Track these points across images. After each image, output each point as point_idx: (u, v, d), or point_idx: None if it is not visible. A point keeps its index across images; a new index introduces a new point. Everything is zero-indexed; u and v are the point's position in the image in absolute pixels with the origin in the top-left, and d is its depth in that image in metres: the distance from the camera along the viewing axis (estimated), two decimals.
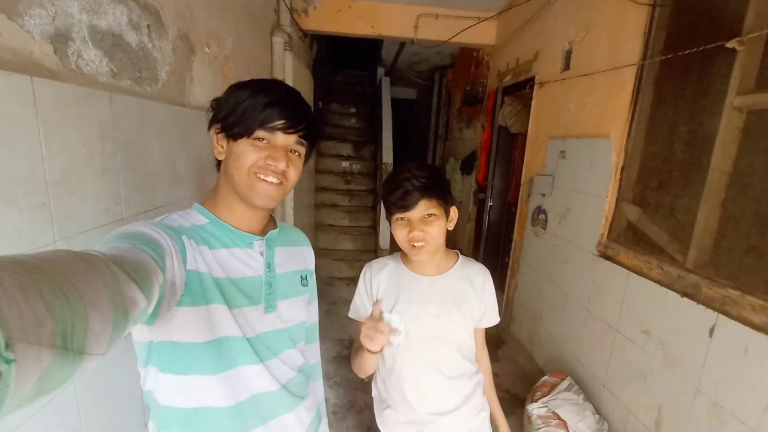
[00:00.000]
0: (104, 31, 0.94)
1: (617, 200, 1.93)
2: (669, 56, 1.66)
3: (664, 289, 1.57)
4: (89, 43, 0.89)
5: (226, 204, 0.70)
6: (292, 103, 0.68)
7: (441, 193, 0.93)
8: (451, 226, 0.99)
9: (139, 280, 0.42)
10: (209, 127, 0.70)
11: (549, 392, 1.95)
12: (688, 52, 1.56)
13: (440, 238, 0.95)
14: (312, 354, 0.93)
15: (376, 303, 0.93)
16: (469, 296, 1.03)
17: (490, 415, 1.12)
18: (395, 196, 0.91)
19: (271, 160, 0.65)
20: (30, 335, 0.26)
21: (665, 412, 1.53)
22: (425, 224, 0.92)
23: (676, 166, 1.63)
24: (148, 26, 1.13)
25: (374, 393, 1.13)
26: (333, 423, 2.10)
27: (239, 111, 0.64)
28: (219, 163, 0.71)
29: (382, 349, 0.91)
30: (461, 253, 1.11)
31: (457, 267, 1.05)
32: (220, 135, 0.68)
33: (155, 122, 1.16)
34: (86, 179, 0.88)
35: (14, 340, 0.25)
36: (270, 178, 0.66)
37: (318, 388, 0.94)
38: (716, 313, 1.34)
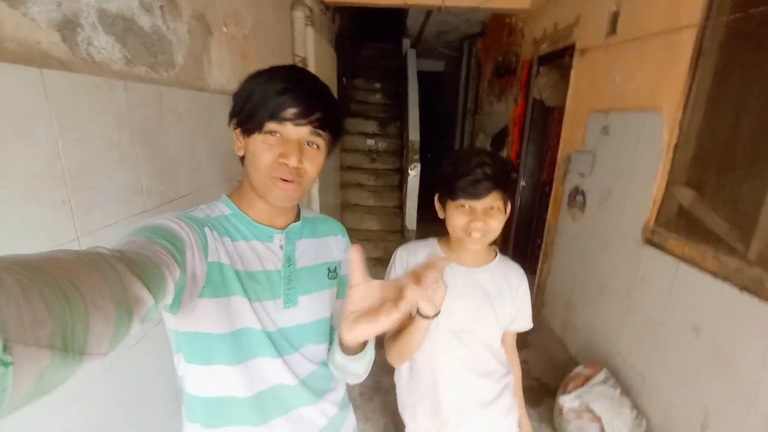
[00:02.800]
0: (114, 15, 0.90)
1: (668, 182, 1.75)
2: (738, 15, 1.44)
3: (719, 281, 1.43)
4: (99, 28, 0.85)
5: (247, 198, 0.69)
6: (304, 88, 0.62)
7: (509, 186, 0.90)
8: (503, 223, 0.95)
9: (146, 277, 0.41)
10: (229, 122, 0.68)
11: (583, 384, 1.87)
12: (762, 9, 1.34)
13: (498, 233, 0.92)
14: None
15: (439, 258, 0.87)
16: (503, 295, 1.00)
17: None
18: (465, 182, 0.86)
19: (283, 158, 0.61)
20: (28, 336, 0.26)
21: (712, 416, 1.43)
22: (488, 216, 0.88)
23: (741, 146, 1.44)
24: (161, 7, 1.07)
25: (397, 381, 1.10)
26: (360, 404, 2.13)
27: (250, 104, 0.62)
28: (241, 158, 0.69)
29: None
30: (495, 240, 1.05)
31: (495, 263, 1.01)
32: (237, 131, 0.66)
33: (174, 109, 1.12)
34: (105, 172, 0.86)
35: (12, 341, 0.25)
36: (287, 177, 0.63)
37: None
38: None
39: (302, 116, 0.61)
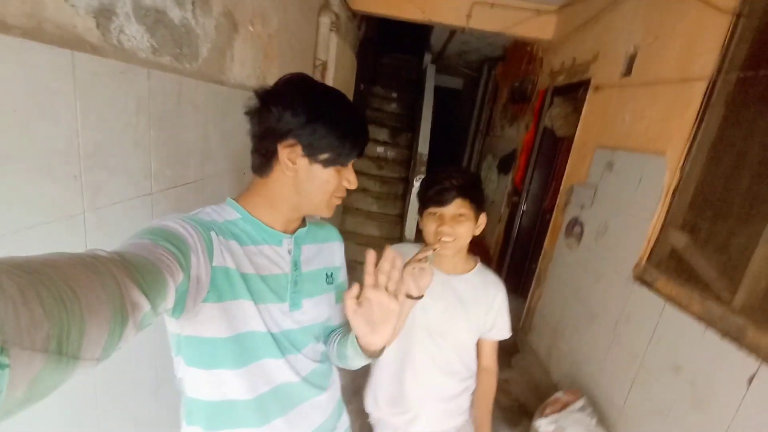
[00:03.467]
0: (148, 6, 0.95)
1: (664, 224, 1.77)
2: (749, 74, 1.47)
3: (702, 326, 1.45)
4: (132, 18, 0.90)
5: (271, 206, 0.71)
6: (366, 134, 0.73)
7: (475, 196, 0.99)
8: (477, 232, 1.04)
9: (144, 282, 0.42)
10: (274, 138, 0.65)
11: (560, 409, 1.88)
12: None
13: (466, 239, 1.01)
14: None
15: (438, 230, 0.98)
16: (478, 303, 1.08)
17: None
18: (432, 191, 0.99)
19: (347, 183, 0.72)
20: (24, 339, 0.26)
21: None
22: (455, 222, 0.98)
23: (738, 197, 1.47)
24: (193, 2, 1.13)
25: (372, 369, 1.18)
26: None
27: (330, 147, 0.67)
28: (267, 168, 0.68)
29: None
30: (487, 254, 1.13)
31: (473, 273, 1.10)
32: (297, 153, 0.65)
33: (192, 99, 1.17)
34: (118, 153, 0.91)
35: (9, 344, 0.25)
36: (344, 196, 0.74)
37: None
38: (759, 360, 1.22)
39: (361, 154, 0.73)
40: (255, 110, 0.67)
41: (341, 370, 0.90)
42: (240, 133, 1.51)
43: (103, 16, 0.82)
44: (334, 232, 0.90)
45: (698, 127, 1.65)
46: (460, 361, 1.10)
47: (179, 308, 0.55)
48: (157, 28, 1.00)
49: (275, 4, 1.77)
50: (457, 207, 0.97)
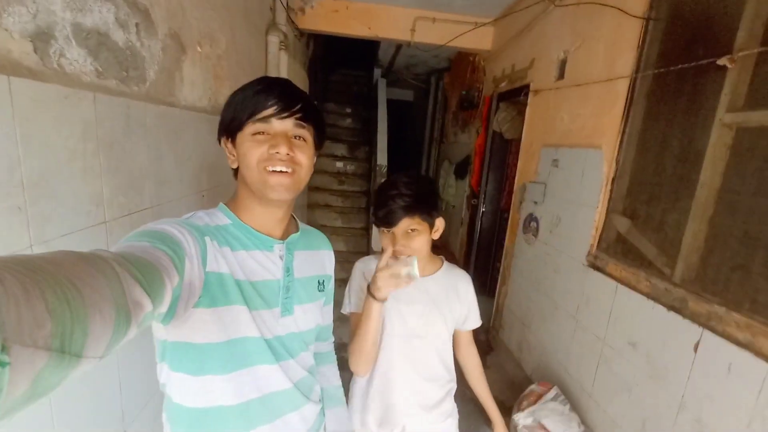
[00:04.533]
0: (89, 29, 0.92)
1: (607, 211, 1.93)
2: (661, 70, 1.67)
3: (651, 302, 1.58)
4: (73, 41, 0.87)
5: (246, 207, 0.71)
6: (281, 87, 0.67)
7: (425, 209, 0.99)
8: (435, 236, 1.07)
9: (147, 283, 0.41)
10: (219, 140, 0.72)
11: (535, 402, 1.95)
12: (680, 66, 1.57)
13: (423, 250, 1.03)
14: (325, 346, 0.97)
15: (388, 249, 0.97)
16: (450, 300, 1.11)
17: (486, 410, 1.21)
18: (381, 213, 0.99)
19: (272, 148, 0.64)
20: (26, 337, 0.26)
21: (649, 425, 1.54)
22: (407, 239, 0.99)
23: (666, 180, 1.64)
24: (137, 25, 1.10)
25: (351, 388, 1.16)
26: None
27: (232, 111, 0.67)
28: (235, 171, 0.72)
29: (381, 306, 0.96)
30: (453, 257, 1.16)
31: (441, 272, 1.13)
32: (226, 141, 0.70)
33: (142, 122, 1.13)
34: (66, 181, 0.86)
35: (10, 342, 0.25)
36: (278, 167, 0.65)
37: (331, 372, 0.97)
38: (702, 328, 1.35)
39: (284, 110, 0.64)
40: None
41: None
42: (196, 155, 1.48)
43: (41, 39, 0.79)
44: (325, 241, 0.90)
45: (626, 121, 1.83)
46: (441, 362, 1.12)
47: (170, 313, 0.54)
48: (101, 51, 0.96)
49: (222, 26, 1.76)
50: (407, 224, 0.97)
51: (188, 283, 0.56)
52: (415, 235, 0.99)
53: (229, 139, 0.69)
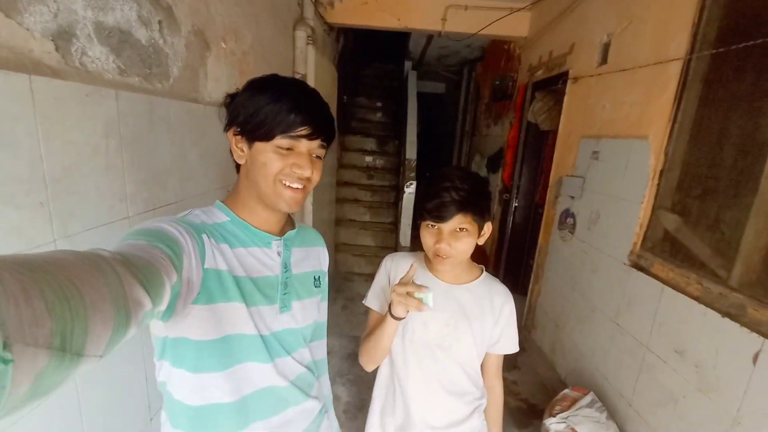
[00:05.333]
0: (111, 27, 0.93)
1: (654, 207, 1.77)
2: (720, 50, 1.49)
3: (702, 306, 1.43)
4: (94, 40, 0.88)
5: (246, 205, 0.71)
6: (315, 108, 0.67)
7: (479, 209, 0.88)
8: (481, 242, 0.95)
9: (146, 281, 0.41)
10: (226, 128, 0.70)
11: (569, 407, 1.85)
12: (743, 45, 1.39)
13: (466, 254, 0.92)
14: (320, 351, 0.94)
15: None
16: (484, 315, 0.99)
17: None
18: (431, 205, 0.88)
19: (296, 168, 0.65)
20: (27, 336, 0.26)
21: None
22: (454, 238, 0.89)
23: (724, 173, 1.47)
24: (160, 22, 1.12)
25: (374, 393, 1.11)
26: (344, 422, 2.08)
27: (261, 116, 0.64)
28: (238, 164, 0.71)
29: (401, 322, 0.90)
30: (483, 254, 1.07)
31: (478, 282, 1.01)
32: (239, 138, 0.67)
33: (165, 119, 1.15)
34: (89, 177, 0.88)
35: (12, 340, 0.25)
36: (295, 185, 0.67)
37: (323, 382, 0.95)
38: (762, 338, 1.20)
39: (314, 133, 0.66)
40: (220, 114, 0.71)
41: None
42: (221, 150, 1.49)
43: (62, 38, 0.80)
44: (319, 238, 0.91)
45: (678, 108, 1.66)
46: (468, 378, 1.01)
47: (170, 311, 0.55)
48: (123, 48, 0.98)
49: (247, 21, 1.77)
50: (458, 222, 0.87)
51: (187, 280, 0.56)
52: (463, 236, 0.88)
53: (243, 138, 0.67)
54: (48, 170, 0.77)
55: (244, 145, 0.67)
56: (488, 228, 0.94)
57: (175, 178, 1.22)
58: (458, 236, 0.89)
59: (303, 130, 0.64)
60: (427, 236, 0.92)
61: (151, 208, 1.10)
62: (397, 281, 1.00)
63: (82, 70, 0.86)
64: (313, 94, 0.69)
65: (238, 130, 0.67)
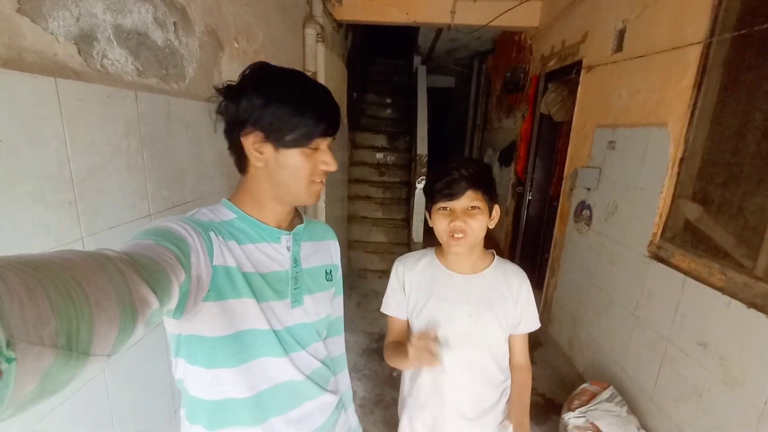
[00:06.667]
0: (129, 30, 0.95)
1: (674, 196, 1.73)
2: (743, 32, 1.44)
3: (726, 297, 1.39)
4: (114, 42, 0.91)
5: (256, 203, 0.70)
6: (334, 109, 0.69)
7: (488, 187, 0.92)
8: (492, 225, 0.96)
9: (152, 280, 0.42)
10: (236, 129, 0.65)
11: (588, 401, 1.82)
12: (765, 26, 1.35)
13: (481, 233, 0.93)
14: (337, 347, 0.94)
15: (431, 329, 0.88)
16: (504, 299, 1.00)
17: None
18: (441, 184, 0.90)
19: (325, 165, 0.69)
20: (32, 335, 0.26)
21: None
22: (468, 216, 0.90)
23: (748, 160, 1.42)
24: (174, 23, 1.14)
25: (402, 385, 1.13)
26: (360, 417, 2.09)
27: (290, 125, 0.64)
28: (242, 163, 0.69)
29: None
30: (497, 248, 1.07)
31: (492, 267, 1.02)
32: (260, 143, 0.64)
33: (182, 118, 1.17)
34: (112, 176, 0.90)
35: (15, 339, 0.25)
36: (320, 179, 0.70)
37: (342, 378, 0.96)
38: None
39: (334, 132, 0.70)
40: (220, 108, 0.67)
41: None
42: None
43: (84, 42, 0.83)
44: (330, 231, 0.90)
45: (698, 93, 1.61)
46: (496, 365, 1.02)
47: (180, 308, 0.55)
48: (141, 50, 1.00)
49: (258, 20, 1.78)
50: (470, 199, 0.89)
51: (196, 278, 0.56)
52: (476, 213, 0.90)
53: (268, 143, 0.64)
54: (74, 169, 0.79)
55: (267, 149, 0.65)
56: (497, 212, 0.96)
57: (193, 176, 1.24)
58: (471, 214, 0.90)
59: (329, 139, 0.69)
60: (440, 219, 0.93)
61: (170, 206, 1.13)
62: (413, 286, 1.03)
63: (103, 73, 0.88)
64: (330, 95, 0.70)
65: (261, 135, 0.64)
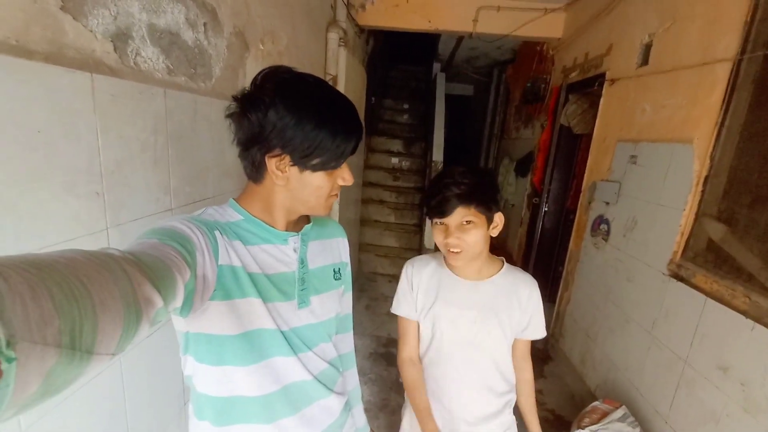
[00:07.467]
0: (162, 29, 0.98)
1: (697, 215, 1.69)
2: None
3: (750, 321, 1.35)
4: (148, 41, 0.93)
5: (266, 209, 0.69)
6: (361, 129, 0.69)
7: (482, 200, 0.90)
8: (494, 233, 0.96)
9: (156, 279, 0.42)
10: (260, 146, 0.63)
11: (599, 420, 1.78)
12: None
13: (477, 246, 0.93)
14: (346, 344, 0.94)
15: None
16: (510, 306, 1.00)
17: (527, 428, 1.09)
18: (434, 202, 0.91)
19: (342, 181, 0.70)
20: (34, 334, 0.26)
21: None
22: (461, 231, 0.91)
23: None
24: (205, 24, 1.17)
25: (406, 396, 1.12)
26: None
27: (321, 150, 0.63)
28: (258, 175, 0.67)
29: None
30: (510, 259, 1.06)
31: (501, 275, 1.02)
32: (286, 164, 0.63)
33: (207, 117, 1.20)
34: (139, 170, 0.93)
35: (17, 338, 0.25)
36: (335, 192, 0.72)
37: (350, 376, 0.95)
38: None
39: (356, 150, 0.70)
40: (235, 115, 0.66)
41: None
42: None
43: (120, 40, 0.86)
44: (338, 229, 0.90)
45: (726, 111, 1.57)
46: (499, 373, 1.03)
47: (187, 307, 0.55)
48: (172, 49, 1.03)
49: (283, 23, 1.81)
50: (461, 215, 0.90)
51: (202, 276, 0.56)
52: (470, 228, 0.91)
53: (295, 166, 0.63)
54: (104, 162, 0.82)
55: (292, 171, 0.64)
56: (499, 219, 0.96)
57: (214, 173, 1.27)
58: (465, 229, 0.91)
59: (354, 152, 0.69)
60: (437, 234, 0.95)
61: (191, 201, 1.15)
62: (420, 289, 1.04)
63: (136, 70, 0.91)
64: (353, 108, 0.68)
65: (289, 158, 0.62)
